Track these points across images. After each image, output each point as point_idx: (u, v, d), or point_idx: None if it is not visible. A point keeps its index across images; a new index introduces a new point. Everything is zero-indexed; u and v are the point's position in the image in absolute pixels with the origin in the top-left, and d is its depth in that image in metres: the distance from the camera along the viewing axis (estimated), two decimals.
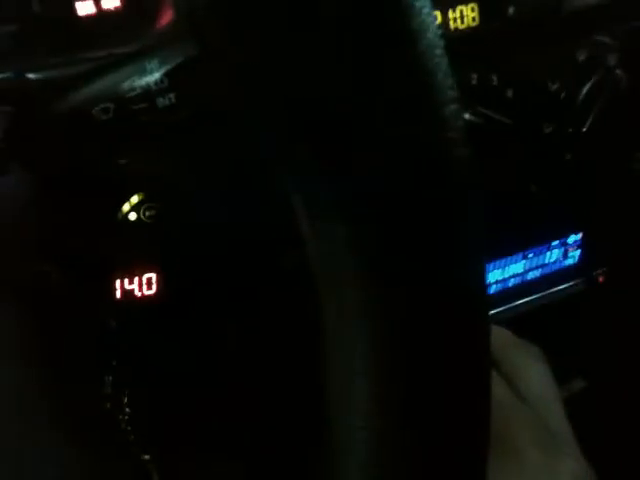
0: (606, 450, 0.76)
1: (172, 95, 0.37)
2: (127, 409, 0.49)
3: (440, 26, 0.58)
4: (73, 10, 0.45)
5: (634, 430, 0.79)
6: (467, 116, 0.57)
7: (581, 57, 0.61)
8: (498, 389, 0.42)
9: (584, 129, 0.61)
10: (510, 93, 0.59)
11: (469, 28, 0.58)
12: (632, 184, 0.69)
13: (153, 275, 0.51)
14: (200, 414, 0.53)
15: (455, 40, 0.58)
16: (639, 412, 0.76)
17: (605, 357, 0.77)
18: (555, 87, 0.60)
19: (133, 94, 0.37)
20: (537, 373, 0.45)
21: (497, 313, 0.68)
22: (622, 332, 0.75)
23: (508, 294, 0.69)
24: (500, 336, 0.48)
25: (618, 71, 0.61)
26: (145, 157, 0.48)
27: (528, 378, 0.44)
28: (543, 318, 0.72)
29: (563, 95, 0.61)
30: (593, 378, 0.78)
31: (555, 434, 0.42)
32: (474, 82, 0.57)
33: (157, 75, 0.37)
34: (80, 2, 0.45)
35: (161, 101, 0.37)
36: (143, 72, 0.37)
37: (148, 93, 0.37)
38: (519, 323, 0.68)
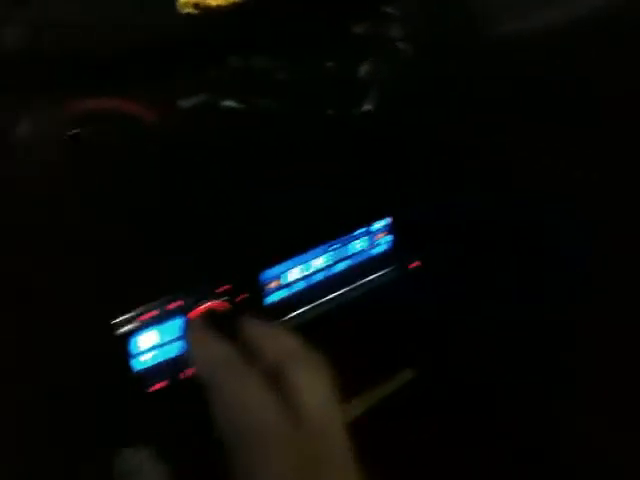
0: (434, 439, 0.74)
1: None
2: None
3: (196, 5, 0.51)
4: None
5: (460, 424, 0.77)
6: (230, 104, 0.51)
7: (359, 30, 0.56)
8: (270, 413, 0.38)
9: (369, 108, 0.56)
10: (281, 75, 0.53)
11: (230, 4, 0.52)
12: (438, 160, 0.65)
13: None
14: None
15: (213, 18, 0.51)
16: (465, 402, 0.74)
17: (431, 347, 0.74)
18: (331, 65, 0.55)
19: None
20: (315, 389, 0.42)
21: (302, 312, 0.63)
22: (445, 319, 0.72)
23: (313, 291, 0.63)
24: (284, 346, 0.44)
25: (401, 44, 0.57)
26: None
27: (306, 394, 0.41)
28: (358, 311, 0.68)
29: (341, 73, 0.55)
30: (420, 369, 0.75)
31: (326, 456, 0.40)
32: (236, 64, 0.51)
33: None
34: None
35: None
36: None
37: None
38: (329, 320, 0.63)
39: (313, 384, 0.43)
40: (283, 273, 0.61)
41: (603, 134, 0.68)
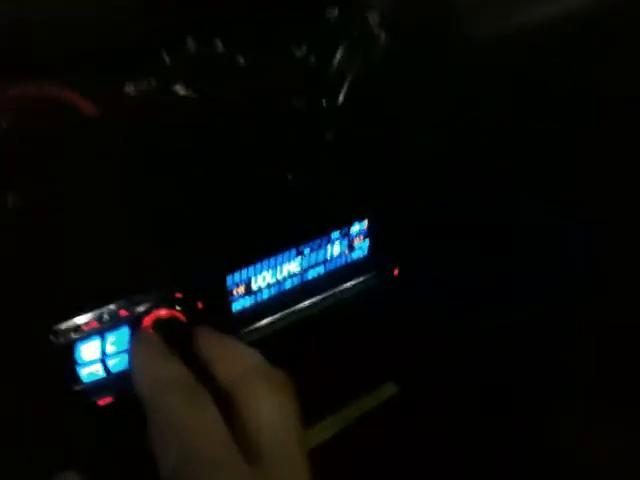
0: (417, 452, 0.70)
1: None
2: None
3: None
4: None
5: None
6: (183, 92, 0.46)
7: (332, 15, 0.51)
8: (220, 444, 0.35)
9: (340, 101, 0.51)
10: (242, 61, 0.48)
11: None
12: (412, 159, 0.61)
13: None
14: None
15: None
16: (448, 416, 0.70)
17: (413, 359, 0.69)
18: (301, 52, 0.51)
19: None
20: (273, 413, 0.38)
21: (272, 322, 0.58)
22: (425, 330, 0.67)
23: (285, 298, 0.59)
24: (242, 364, 0.40)
25: (377, 31, 0.52)
26: None
27: (262, 420, 0.38)
28: (335, 320, 0.63)
29: (312, 61, 0.51)
30: (404, 382, 0.70)
31: None
32: (191, 48, 0.46)
33: None
34: None
35: None
36: None
37: None
38: (303, 330, 0.59)
39: (271, 407, 0.39)
40: (251, 278, 0.56)
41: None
